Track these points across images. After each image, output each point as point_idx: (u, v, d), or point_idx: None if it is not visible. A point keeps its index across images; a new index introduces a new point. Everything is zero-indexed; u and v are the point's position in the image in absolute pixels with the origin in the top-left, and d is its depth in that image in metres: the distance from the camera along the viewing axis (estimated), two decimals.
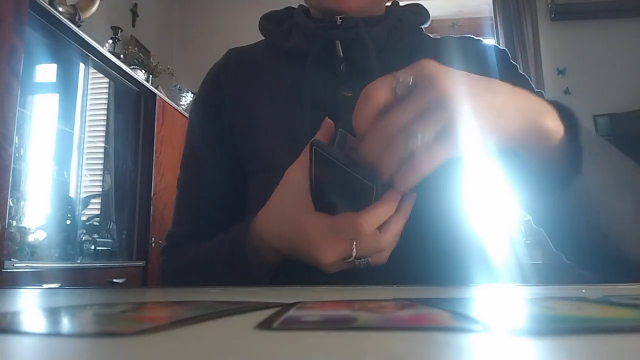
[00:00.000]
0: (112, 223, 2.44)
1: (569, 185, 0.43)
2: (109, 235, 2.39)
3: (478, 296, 0.32)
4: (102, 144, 2.52)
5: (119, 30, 2.76)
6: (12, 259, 1.66)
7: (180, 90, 3.10)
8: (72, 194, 2.30)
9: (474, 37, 0.69)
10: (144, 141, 2.56)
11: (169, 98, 2.84)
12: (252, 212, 0.52)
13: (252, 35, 0.72)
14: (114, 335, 0.16)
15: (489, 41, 0.70)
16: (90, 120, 2.48)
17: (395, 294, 0.33)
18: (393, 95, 0.37)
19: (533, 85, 0.63)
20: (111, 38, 2.67)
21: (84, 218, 2.34)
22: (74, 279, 1.89)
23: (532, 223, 0.52)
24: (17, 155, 1.78)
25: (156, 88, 2.71)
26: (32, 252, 1.85)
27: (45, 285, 1.71)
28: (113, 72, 2.42)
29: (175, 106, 2.87)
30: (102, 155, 2.52)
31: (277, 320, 0.18)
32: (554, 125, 0.41)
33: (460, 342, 0.15)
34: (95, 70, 2.41)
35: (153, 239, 2.46)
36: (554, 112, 0.42)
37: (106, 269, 2.19)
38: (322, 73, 0.61)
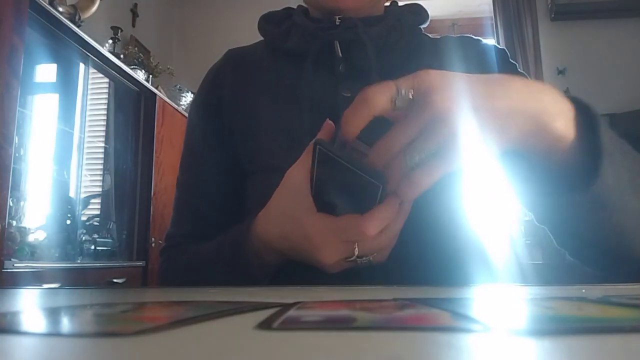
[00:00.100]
0: (112, 223, 2.44)
1: (584, 189, 0.41)
2: (109, 235, 2.39)
3: (478, 296, 0.32)
4: (102, 144, 2.52)
5: (119, 30, 2.76)
6: (12, 259, 1.66)
7: (180, 90, 3.10)
8: (72, 194, 2.30)
9: (473, 36, 0.69)
10: (144, 141, 2.56)
11: (169, 98, 2.84)
12: (251, 212, 0.52)
13: (252, 35, 0.72)
14: (114, 335, 0.16)
15: (489, 41, 0.70)
16: (90, 120, 2.48)
17: (395, 294, 0.33)
18: (391, 106, 0.37)
19: None
20: (111, 38, 2.67)
21: (84, 218, 2.34)
22: (74, 279, 1.89)
23: (535, 220, 0.52)
24: (17, 155, 1.78)
25: (156, 88, 2.71)
26: (32, 252, 1.85)
27: (45, 285, 1.71)
28: (113, 72, 2.42)
29: (175, 106, 2.87)
30: (102, 155, 2.52)
31: (277, 320, 0.18)
32: (563, 126, 0.40)
33: (460, 342, 0.15)
34: (95, 70, 2.41)
35: (153, 239, 2.46)
36: (565, 112, 0.41)
37: (106, 269, 2.19)
38: (321, 73, 0.61)
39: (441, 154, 0.36)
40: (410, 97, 0.37)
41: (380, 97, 0.37)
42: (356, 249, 0.42)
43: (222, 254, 0.53)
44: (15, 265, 1.63)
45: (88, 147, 2.45)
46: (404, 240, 0.45)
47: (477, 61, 0.64)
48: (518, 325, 0.18)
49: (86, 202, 2.40)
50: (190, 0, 3.67)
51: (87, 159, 2.44)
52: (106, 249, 2.33)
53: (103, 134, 2.54)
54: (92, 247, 2.25)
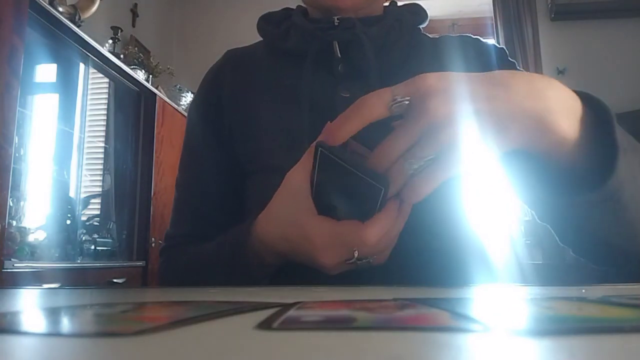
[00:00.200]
0: (112, 223, 2.44)
1: (596, 186, 0.39)
2: (109, 235, 2.40)
3: (478, 296, 0.32)
4: (102, 144, 2.52)
5: (119, 30, 2.76)
6: (12, 259, 1.66)
7: (180, 90, 3.10)
8: (72, 194, 2.30)
9: (472, 35, 0.69)
10: (144, 141, 2.57)
11: (169, 98, 2.84)
12: (251, 212, 0.52)
13: (252, 35, 0.72)
14: (114, 335, 0.16)
15: (489, 41, 0.70)
16: (90, 120, 2.48)
17: (395, 294, 0.33)
18: (387, 113, 0.37)
19: None
20: (111, 38, 2.67)
21: (84, 218, 2.34)
22: (74, 279, 1.89)
23: (536, 218, 0.51)
24: (17, 155, 1.78)
25: (156, 88, 2.71)
26: (32, 252, 1.85)
27: (45, 285, 1.71)
28: (113, 72, 2.42)
29: (175, 106, 2.87)
30: (102, 155, 2.52)
31: (277, 320, 0.18)
32: (570, 124, 0.38)
33: (460, 342, 0.15)
34: (95, 70, 2.41)
35: (153, 239, 2.46)
36: (572, 110, 0.39)
37: (106, 269, 2.19)
38: (320, 74, 0.61)
39: (441, 160, 0.36)
40: (407, 103, 0.37)
41: (375, 104, 0.37)
42: (356, 252, 0.42)
43: (222, 254, 0.53)
44: (15, 265, 1.63)
45: (88, 147, 2.45)
46: (404, 241, 0.45)
47: (477, 60, 0.64)
48: (518, 325, 0.18)
49: (86, 202, 2.40)
50: (190, 0, 3.67)
51: (87, 159, 2.44)
52: (106, 249, 2.33)
53: (103, 134, 2.54)
54: (92, 247, 2.25)
